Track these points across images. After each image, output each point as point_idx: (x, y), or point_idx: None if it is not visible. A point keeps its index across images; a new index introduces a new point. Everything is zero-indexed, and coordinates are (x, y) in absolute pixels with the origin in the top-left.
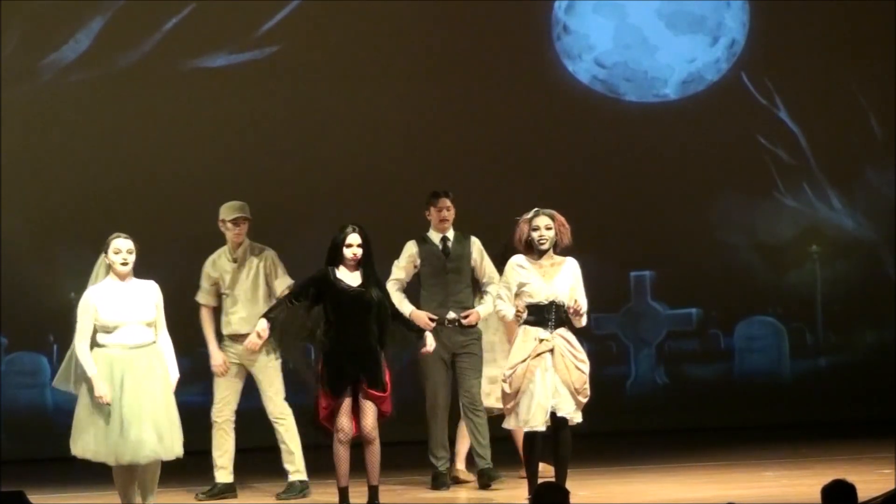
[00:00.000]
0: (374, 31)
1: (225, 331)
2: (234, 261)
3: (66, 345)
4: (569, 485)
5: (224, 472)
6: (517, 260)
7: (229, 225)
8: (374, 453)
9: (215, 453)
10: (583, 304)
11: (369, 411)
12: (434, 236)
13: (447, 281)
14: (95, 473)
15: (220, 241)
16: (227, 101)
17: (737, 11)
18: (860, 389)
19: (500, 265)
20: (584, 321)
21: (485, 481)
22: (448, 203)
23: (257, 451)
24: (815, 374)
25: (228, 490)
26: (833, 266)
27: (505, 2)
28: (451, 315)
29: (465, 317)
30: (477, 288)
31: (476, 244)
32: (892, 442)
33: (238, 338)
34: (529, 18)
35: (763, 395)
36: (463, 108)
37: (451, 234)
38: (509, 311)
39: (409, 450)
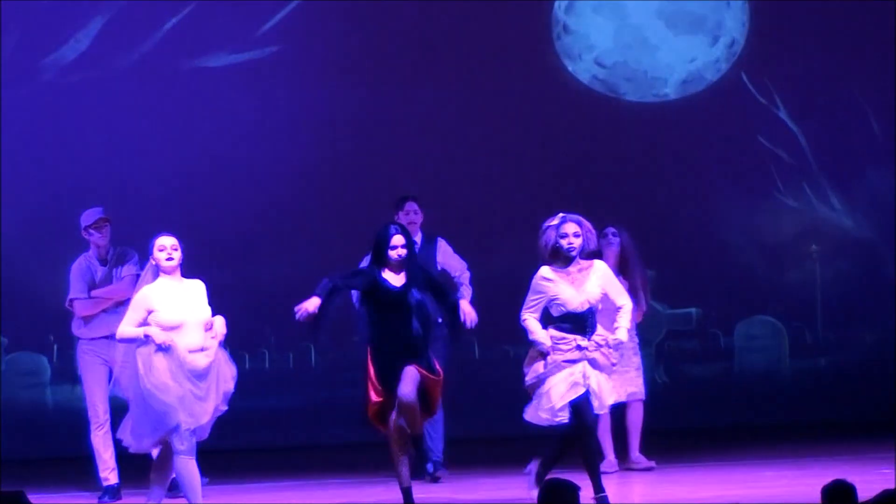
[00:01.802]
0: (374, 31)
1: (92, 333)
2: (104, 262)
3: (67, 345)
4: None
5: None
6: (543, 273)
7: (92, 231)
8: (410, 421)
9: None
10: (626, 303)
11: (410, 377)
12: None
13: None
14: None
15: (222, 238)
16: (227, 101)
17: (737, 11)
18: (860, 389)
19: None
20: (624, 334)
21: (434, 475)
22: (416, 207)
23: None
24: (814, 374)
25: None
26: (833, 266)
27: (505, 2)
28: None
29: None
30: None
31: (440, 245)
32: (892, 442)
33: (107, 339)
34: (529, 18)
35: (763, 394)
36: (463, 108)
37: (418, 237)
38: (544, 338)
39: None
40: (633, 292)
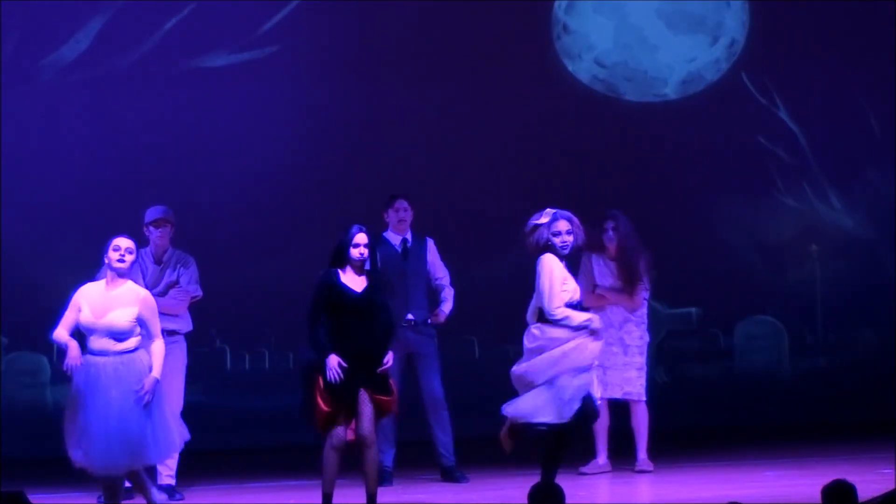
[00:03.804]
0: (374, 31)
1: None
2: (158, 262)
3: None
4: (567, 485)
5: None
6: (556, 261)
7: (151, 228)
8: (372, 459)
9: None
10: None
11: (367, 414)
12: (393, 238)
13: (406, 282)
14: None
15: (222, 238)
16: (227, 101)
17: (737, 11)
18: (860, 389)
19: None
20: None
21: (449, 479)
22: (406, 205)
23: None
24: (815, 374)
25: None
26: (833, 266)
27: (505, 2)
28: (410, 316)
29: (436, 316)
30: (430, 288)
31: (431, 245)
32: (892, 442)
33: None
34: (529, 18)
35: (763, 394)
36: (463, 108)
37: (409, 235)
38: (591, 318)
39: (410, 449)
40: (632, 280)
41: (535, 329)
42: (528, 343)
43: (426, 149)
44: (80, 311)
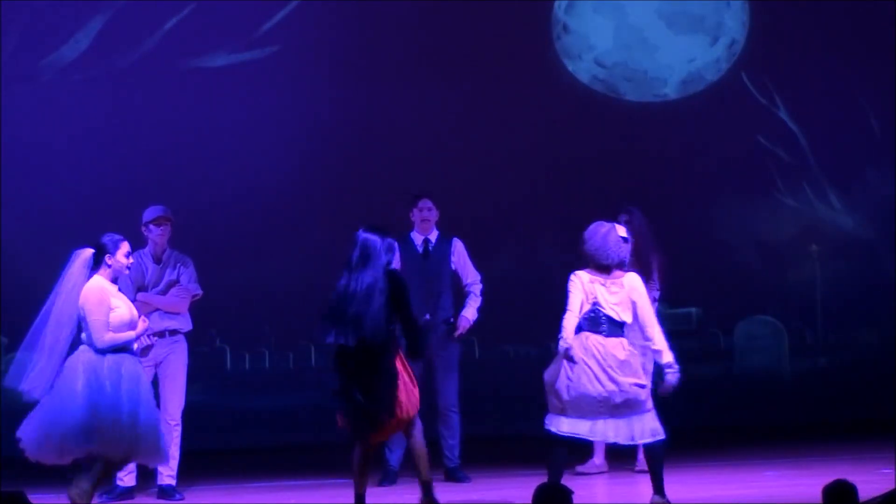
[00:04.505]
0: (374, 32)
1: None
2: (158, 261)
3: None
4: (567, 485)
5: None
6: None
7: (151, 227)
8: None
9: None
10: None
11: None
12: (416, 237)
13: (426, 282)
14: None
15: (222, 238)
16: (227, 101)
17: (737, 11)
18: (860, 389)
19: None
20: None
21: (452, 479)
22: (430, 204)
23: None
24: (814, 374)
25: None
26: (833, 266)
27: (505, 2)
28: (427, 316)
29: (457, 326)
30: (457, 290)
31: (458, 246)
32: (892, 442)
33: (159, 335)
34: (529, 18)
35: (763, 394)
36: (463, 108)
37: (433, 235)
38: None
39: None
40: (645, 275)
41: (635, 346)
42: (635, 361)
43: (426, 149)
44: (111, 309)
